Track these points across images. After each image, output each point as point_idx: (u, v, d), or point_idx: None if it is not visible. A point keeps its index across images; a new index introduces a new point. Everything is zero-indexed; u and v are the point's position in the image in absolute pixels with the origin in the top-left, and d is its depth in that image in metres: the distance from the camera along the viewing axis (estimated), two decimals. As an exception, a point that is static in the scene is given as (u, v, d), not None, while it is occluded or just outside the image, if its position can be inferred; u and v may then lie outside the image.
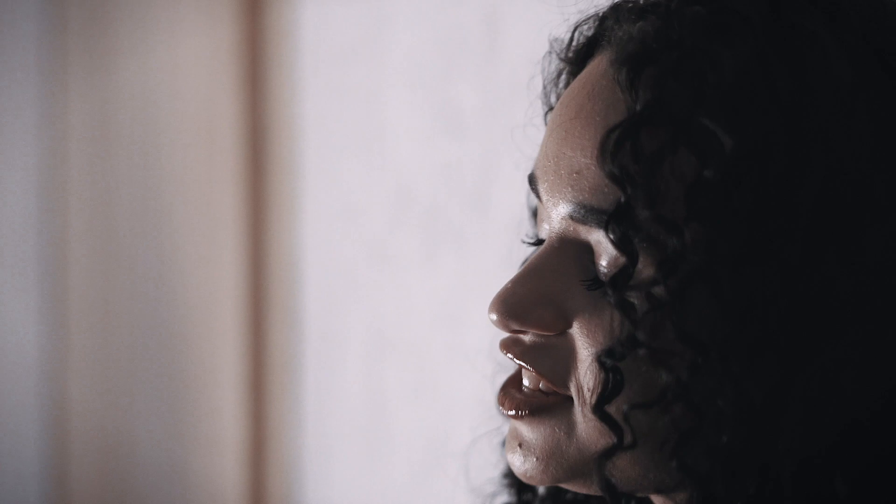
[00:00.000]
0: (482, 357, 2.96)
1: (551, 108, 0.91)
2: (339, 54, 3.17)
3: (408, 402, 3.14)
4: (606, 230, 0.76)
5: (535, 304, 0.80)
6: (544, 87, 0.92)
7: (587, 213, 0.77)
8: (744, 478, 0.72)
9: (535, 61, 0.95)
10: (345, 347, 2.95)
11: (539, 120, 0.94)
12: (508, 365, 1.04)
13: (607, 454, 0.77)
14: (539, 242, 0.86)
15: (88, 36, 3.20)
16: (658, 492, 0.78)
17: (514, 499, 0.95)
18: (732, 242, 0.72)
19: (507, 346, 0.82)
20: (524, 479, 0.82)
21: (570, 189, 0.78)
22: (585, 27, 0.88)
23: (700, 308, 0.73)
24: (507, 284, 0.81)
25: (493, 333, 1.01)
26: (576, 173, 0.78)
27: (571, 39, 0.89)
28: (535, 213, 0.93)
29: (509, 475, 0.97)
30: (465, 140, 3.21)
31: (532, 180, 0.84)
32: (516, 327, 0.81)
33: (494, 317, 0.81)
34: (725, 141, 0.72)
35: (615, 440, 0.76)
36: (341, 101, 3.07)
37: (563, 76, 0.90)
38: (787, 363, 0.72)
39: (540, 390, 0.81)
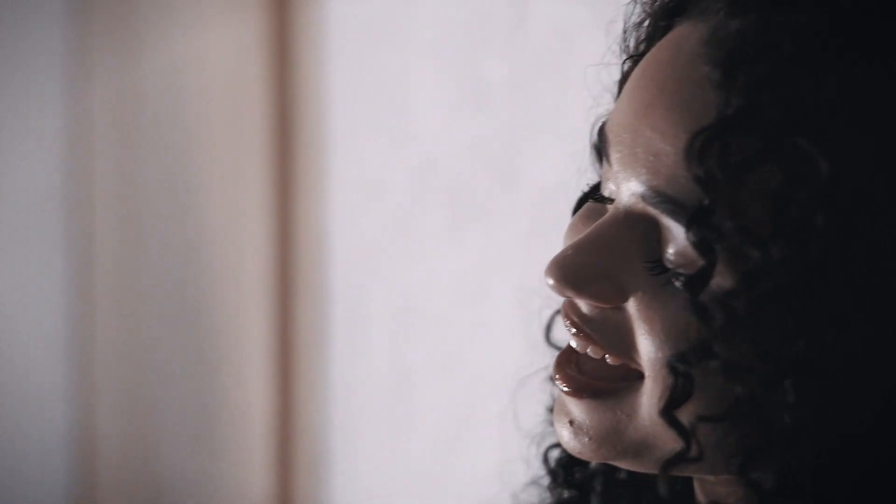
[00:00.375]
0: (507, 331, 2.97)
1: (630, 56, 0.88)
2: (366, 29, 3.17)
3: (433, 377, 3.15)
4: (687, 229, 0.74)
5: (594, 275, 0.79)
6: (624, 31, 0.89)
7: (661, 200, 0.76)
8: (810, 495, 0.72)
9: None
10: (371, 323, 2.96)
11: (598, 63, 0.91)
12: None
13: (672, 462, 0.76)
14: (595, 193, 0.85)
15: (114, 19, 3.20)
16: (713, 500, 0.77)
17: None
18: (818, 263, 0.71)
19: (566, 312, 0.81)
20: (573, 453, 0.81)
21: (644, 170, 0.77)
22: None
23: (778, 325, 0.72)
24: (566, 250, 0.80)
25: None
26: (653, 156, 0.76)
27: None
28: (598, 156, 0.91)
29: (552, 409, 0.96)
30: (491, 115, 3.21)
31: (603, 138, 0.82)
32: (571, 295, 0.80)
33: (550, 281, 0.79)
34: (822, 164, 0.71)
35: (682, 448, 0.75)
36: (368, 77, 3.07)
37: (644, 26, 0.87)
38: (864, 385, 0.71)
39: (595, 374, 0.79)
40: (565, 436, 0.80)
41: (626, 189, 0.78)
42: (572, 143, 1.02)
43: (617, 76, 0.89)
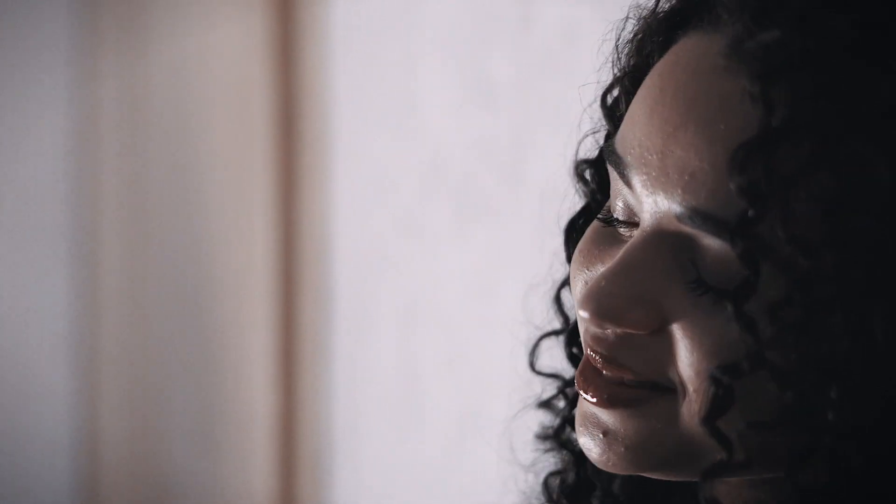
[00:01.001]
0: (515, 329, 2.95)
1: (626, 72, 0.87)
2: (371, 28, 3.17)
3: (440, 376, 3.14)
4: (732, 242, 0.73)
5: (630, 303, 0.77)
6: (616, 47, 0.88)
7: (701, 219, 0.75)
8: (860, 494, 0.72)
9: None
10: (377, 321, 2.95)
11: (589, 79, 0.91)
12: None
13: (717, 470, 0.75)
14: (609, 219, 0.83)
15: (120, 18, 3.20)
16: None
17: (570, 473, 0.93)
18: (872, 272, 0.71)
19: (591, 346, 0.80)
20: (602, 467, 0.80)
21: (680, 191, 0.76)
22: None
23: (829, 331, 0.72)
24: (598, 280, 0.78)
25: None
26: (688, 175, 0.75)
27: (657, 5, 0.85)
28: (596, 173, 0.90)
29: (543, 437, 0.95)
30: (498, 112, 3.20)
31: (619, 161, 0.80)
32: (611, 328, 0.79)
33: (586, 315, 0.78)
34: (881, 169, 0.71)
35: (725, 456, 0.75)
36: (374, 74, 3.06)
37: (642, 39, 0.86)
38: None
39: (627, 380, 0.78)
40: (596, 449, 0.79)
41: (656, 210, 0.77)
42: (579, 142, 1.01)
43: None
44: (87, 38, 3.21)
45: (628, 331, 0.77)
